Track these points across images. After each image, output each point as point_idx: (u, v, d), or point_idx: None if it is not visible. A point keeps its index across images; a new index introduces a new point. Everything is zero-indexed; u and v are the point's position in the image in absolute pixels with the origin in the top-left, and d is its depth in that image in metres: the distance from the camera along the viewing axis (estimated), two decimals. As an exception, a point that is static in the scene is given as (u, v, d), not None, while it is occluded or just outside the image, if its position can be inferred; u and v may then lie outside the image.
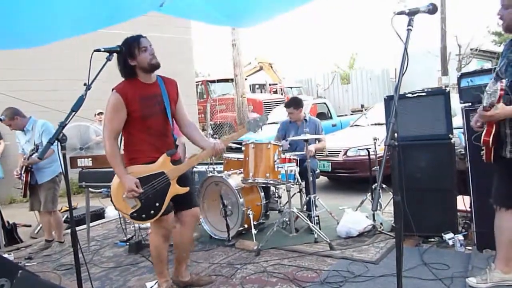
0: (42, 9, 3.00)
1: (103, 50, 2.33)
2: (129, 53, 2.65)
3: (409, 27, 1.78)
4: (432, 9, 1.84)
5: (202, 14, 3.95)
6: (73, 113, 2.10)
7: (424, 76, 15.82)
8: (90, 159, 4.06)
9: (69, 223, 4.95)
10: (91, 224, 4.72)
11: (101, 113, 7.97)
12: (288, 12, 3.99)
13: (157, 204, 2.70)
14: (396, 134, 1.66)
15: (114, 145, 2.68)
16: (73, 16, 3.21)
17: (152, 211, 2.70)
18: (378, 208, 4.31)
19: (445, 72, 15.60)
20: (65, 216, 5.07)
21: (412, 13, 1.80)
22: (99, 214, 5.68)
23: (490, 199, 2.58)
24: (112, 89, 2.68)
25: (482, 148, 2.35)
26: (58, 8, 3.03)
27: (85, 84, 2.21)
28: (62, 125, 2.07)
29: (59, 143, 2.08)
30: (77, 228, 4.65)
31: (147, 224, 4.78)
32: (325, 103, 11.26)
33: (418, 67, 16.95)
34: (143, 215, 2.71)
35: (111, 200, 2.79)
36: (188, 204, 2.91)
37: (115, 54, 2.50)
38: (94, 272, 3.60)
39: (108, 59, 2.35)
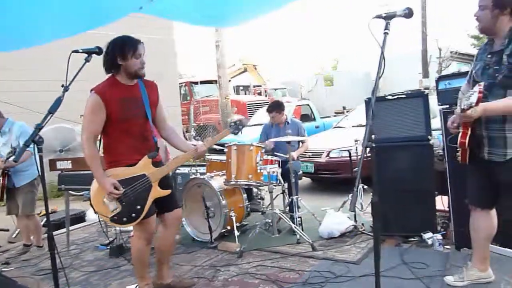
0: (22, 13, 2.96)
1: (81, 51, 2.30)
2: (121, 52, 2.61)
3: (386, 31, 1.81)
4: (408, 13, 1.88)
5: (183, 14, 3.95)
6: (50, 115, 2.07)
7: (406, 78, 16.10)
8: (69, 161, 4.00)
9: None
10: (71, 228, 4.65)
11: None
12: (270, 13, 4.01)
13: (139, 207, 2.66)
14: (373, 136, 1.68)
15: (93, 147, 2.63)
16: (52, 20, 3.18)
17: (133, 214, 2.66)
18: (359, 208, 4.37)
19: (426, 74, 15.91)
20: (44, 220, 4.97)
21: (388, 17, 1.84)
22: (79, 218, 5.58)
23: (465, 199, 2.63)
24: (91, 90, 2.62)
25: (458, 149, 2.39)
26: (38, 12, 2.99)
27: (62, 86, 2.17)
28: (39, 127, 2.03)
29: (35, 145, 2.04)
30: (57, 232, 4.65)
31: (129, 227, 4.75)
32: (308, 105, 11.34)
33: (401, 69, 17.26)
34: (124, 219, 2.66)
35: (91, 204, 2.75)
36: (170, 206, 2.89)
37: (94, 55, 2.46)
38: (74, 277, 3.54)
39: (87, 60, 2.32)
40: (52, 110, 2.07)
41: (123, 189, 2.61)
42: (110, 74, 2.71)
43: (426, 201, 3.62)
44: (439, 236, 3.48)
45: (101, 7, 3.27)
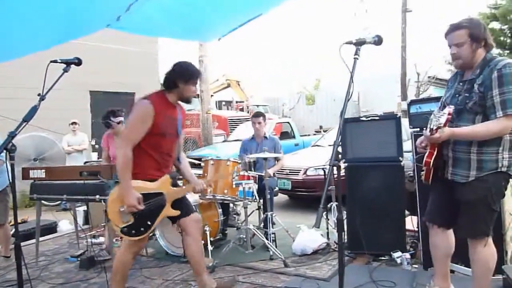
0: None
1: (60, 61, 2.32)
2: (186, 77, 2.75)
3: (356, 56, 1.91)
4: (377, 41, 1.98)
5: (161, 28, 4.01)
6: (25, 123, 2.06)
7: (386, 100, 16.54)
8: (43, 170, 3.94)
9: (16, 238, 4.75)
10: (41, 239, 4.55)
11: (75, 122, 7.76)
12: (247, 24, 4.12)
13: (149, 223, 2.71)
14: (340, 155, 1.75)
15: (131, 156, 2.61)
16: (28, 33, 3.19)
17: (142, 228, 2.70)
18: (333, 226, 4.43)
19: (404, 97, 16.35)
20: (13, 230, 4.85)
21: (359, 43, 1.94)
22: (51, 228, 5.46)
23: (423, 217, 2.71)
24: (144, 98, 2.68)
25: (423, 169, 2.47)
26: (14, 25, 3.00)
27: (39, 95, 2.18)
28: (12, 135, 2.03)
29: (8, 153, 2.03)
30: (26, 243, 4.53)
31: (101, 238, 4.69)
32: (289, 122, 11.48)
33: (381, 91, 17.72)
34: (133, 231, 2.69)
35: (105, 210, 2.74)
36: (187, 212, 2.89)
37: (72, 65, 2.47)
38: (41, 289, 3.46)
39: (65, 70, 2.33)
40: (27, 118, 2.07)
41: (143, 206, 2.63)
42: (160, 90, 2.84)
43: (396, 220, 3.71)
44: (407, 255, 3.57)
45: (77, 21, 3.29)
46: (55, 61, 2.28)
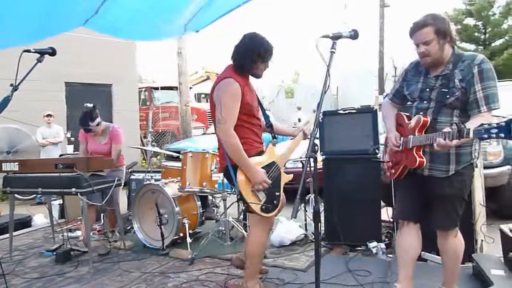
0: None
1: (33, 51, 2.26)
2: (262, 55, 2.67)
3: (332, 50, 1.93)
4: (353, 35, 2.02)
5: (134, 30, 3.97)
6: (-3, 115, 2.02)
7: (363, 94, 16.78)
8: (17, 163, 3.84)
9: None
10: (15, 233, 4.44)
11: (50, 115, 7.55)
12: (225, 16, 4.11)
13: (277, 194, 2.73)
14: (316, 147, 1.79)
15: (237, 137, 2.56)
16: (3, 29, 3.11)
17: (275, 201, 2.70)
18: (310, 218, 4.49)
19: (382, 91, 16.63)
20: (-14, 224, 4.73)
21: (335, 37, 1.96)
22: (25, 223, 5.33)
23: (393, 216, 2.72)
24: (225, 78, 2.61)
25: (392, 166, 2.49)
26: None
27: (11, 85, 2.12)
28: (-16, 127, 1.97)
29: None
30: (-2, 237, 4.43)
31: (78, 232, 4.63)
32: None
33: (359, 85, 17.96)
34: (270, 206, 2.66)
35: (241, 195, 2.61)
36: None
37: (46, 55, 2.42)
38: (16, 284, 3.38)
39: (39, 60, 2.28)
40: (-1, 110, 2.03)
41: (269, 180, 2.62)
42: (231, 65, 2.73)
43: (372, 212, 3.80)
44: (383, 245, 3.66)
45: (46, 22, 3.22)
46: (28, 51, 2.23)
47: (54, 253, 4.01)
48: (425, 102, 2.37)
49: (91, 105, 4.28)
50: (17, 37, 3.49)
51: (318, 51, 1.87)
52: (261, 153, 2.77)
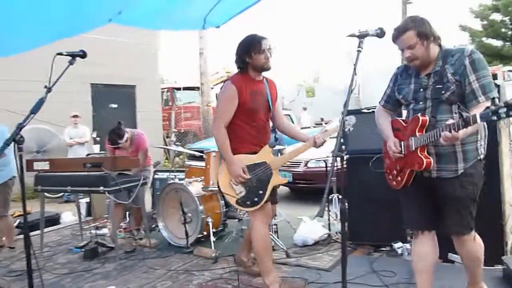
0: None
1: (65, 54, 2.33)
2: (247, 51, 2.85)
3: (359, 49, 1.92)
4: (380, 33, 2.00)
5: (161, 20, 4.04)
6: (32, 115, 2.09)
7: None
8: (47, 162, 3.98)
9: (22, 228, 4.81)
10: (45, 230, 4.59)
11: (76, 115, 7.77)
12: (246, 16, 4.15)
13: (261, 192, 2.84)
14: (343, 146, 1.78)
15: (226, 133, 2.85)
16: (32, 29, 3.22)
17: (256, 199, 2.84)
18: (334, 217, 4.48)
19: (404, 89, 16.34)
20: (17, 222, 4.90)
21: (361, 36, 1.95)
22: (54, 220, 5.50)
23: (405, 226, 2.57)
24: (226, 80, 2.94)
25: (393, 175, 2.40)
26: (18, 21, 3.03)
27: (45, 87, 2.20)
28: (20, 126, 2.05)
29: (16, 144, 2.06)
30: (30, 234, 4.57)
31: (104, 230, 4.74)
32: (289, 115, 11.49)
33: (382, 84, 17.65)
34: (248, 202, 2.85)
35: (218, 186, 2.91)
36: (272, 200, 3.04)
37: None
38: (46, 279, 3.50)
39: (71, 63, 2.35)
40: (34, 110, 2.10)
41: (249, 175, 2.81)
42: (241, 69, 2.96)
43: (397, 211, 3.73)
44: (408, 245, 3.60)
45: (80, 17, 3.31)
46: (61, 54, 2.30)
47: (82, 249, 4.13)
48: (421, 102, 2.29)
49: (118, 122, 4.41)
50: (45, 35, 3.58)
51: (351, 57, 1.86)
52: (256, 152, 2.91)
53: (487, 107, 1.84)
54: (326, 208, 4.34)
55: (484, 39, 20.90)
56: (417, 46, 2.18)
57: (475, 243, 2.34)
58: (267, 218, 2.99)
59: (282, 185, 6.45)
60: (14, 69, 8.12)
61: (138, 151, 4.40)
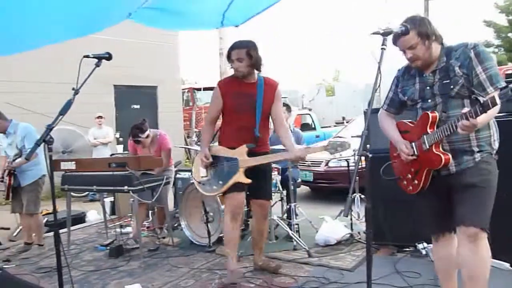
0: (13, 19, 3.09)
1: (92, 56, 2.39)
2: (227, 58, 3.19)
3: (383, 47, 1.90)
4: (404, 31, 1.98)
5: (178, 21, 4.09)
6: (61, 117, 2.15)
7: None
8: (74, 162, 4.08)
9: (50, 226, 4.95)
10: (71, 228, 4.70)
11: (100, 116, 7.96)
12: (265, 15, 4.16)
13: (220, 182, 3.13)
14: (368, 145, 1.77)
15: (207, 128, 3.30)
16: (44, 26, 3.32)
17: (214, 187, 3.17)
18: (356, 217, 4.44)
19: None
20: (46, 220, 5.05)
21: (385, 33, 1.93)
22: (79, 218, 5.64)
23: (426, 230, 2.47)
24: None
25: (408, 179, 2.32)
26: (32, 19, 3.12)
27: (73, 89, 2.26)
28: (50, 127, 2.12)
29: (46, 145, 2.12)
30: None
31: (128, 228, 4.83)
32: (309, 114, 11.45)
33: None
34: (207, 187, 3.20)
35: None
36: (256, 195, 3.30)
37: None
38: (73, 275, 3.57)
39: (97, 65, 2.41)
40: (63, 112, 2.16)
41: (211, 160, 3.14)
42: None
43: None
44: (432, 245, 3.54)
45: (92, 16, 3.39)
46: (87, 56, 2.36)
47: (108, 247, 4.22)
48: (429, 100, 2.23)
49: (141, 119, 4.51)
50: (61, 31, 3.66)
51: (373, 57, 1.84)
52: (234, 148, 3.15)
53: (506, 86, 1.77)
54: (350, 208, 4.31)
55: (510, 34, 20.28)
56: (418, 46, 2.13)
57: (485, 247, 2.13)
58: (234, 210, 3.15)
59: (303, 184, 6.46)
60: (38, 72, 8.35)
61: (161, 151, 4.46)
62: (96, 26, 3.85)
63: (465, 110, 1.91)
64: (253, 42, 3.17)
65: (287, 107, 5.07)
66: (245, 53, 3.07)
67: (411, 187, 2.33)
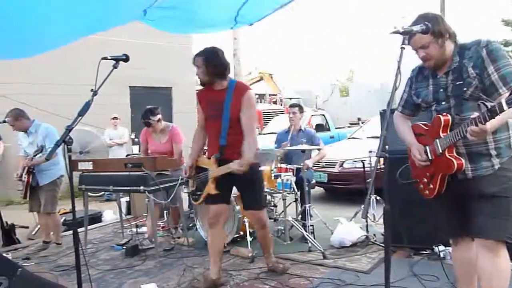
0: (28, 20, 3.15)
1: (109, 58, 2.42)
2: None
3: (403, 46, 1.87)
4: (425, 29, 1.94)
5: (188, 25, 4.11)
6: (80, 118, 2.18)
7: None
8: (91, 162, 4.14)
9: (68, 225, 5.03)
10: (88, 228, 4.77)
11: (116, 117, 8.07)
12: (278, 15, 4.14)
13: (198, 193, 3.21)
14: (387, 147, 1.74)
15: (197, 136, 3.32)
16: (58, 27, 3.38)
17: (195, 197, 3.27)
18: (372, 219, 4.40)
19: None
20: (63, 219, 5.13)
21: (406, 32, 1.89)
22: (96, 218, 5.72)
23: (444, 235, 2.44)
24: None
25: (424, 183, 2.28)
26: (44, 20, 3.19)
27: (91, 90, 2.29)
28: (69, 128, 2.15)
29: (65, 145, 2.16)
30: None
31: (143, 228, 4.87)
32: (323, 115, 11.39)
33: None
34: (194, 197, 3.30)
35: None
36: (246, 205, 3.29)
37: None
38: (91, 274, 3.61)
39: (115, 66, 2.43)
40: (82, 113, 2.19)
41: (190, 174, 3.22)
42: None
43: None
44: (451, 249, 3.48)
45: (104, 13, 3.43)
46: (105, 58, 2.39)
47: (124, 247, 4.26)
48: (443, 102, 2.17)
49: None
50: (75, 31, 3.73)
51: (398, 61, 1.80)
52: (210, 158, 3.15)
53: None
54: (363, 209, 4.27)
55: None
56: (431, 45, 2.08)
57: (504, 259, 2.05)
58: (209, 221, 3.19)
59: (317, 185, 6.42)
60: (56, 74, 8.50)
61: (172, 143, 4.47)
62: (108, 23, 3.88)
63: (474, 115, 1.87)
64: (213, 49, 3.07)
65: (299, 108, 5.04)
66: (202, 60, 3.03)
67: (427, 191, 2.30)
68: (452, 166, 2.07)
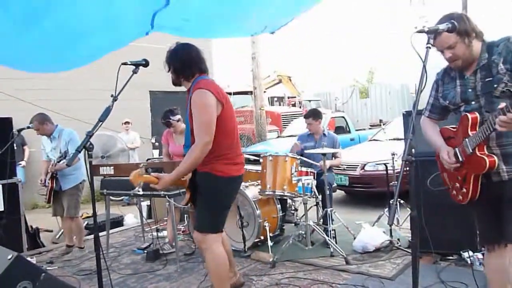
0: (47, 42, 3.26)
1: (129, 63, 2.43)
2: None
3: (428, 45, 1.80)
4: (451, 28, 1.87)
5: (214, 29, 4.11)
6: (100, 123, 2.20)
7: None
8: (112, 167, 4.17)
9: (91, 229, 5.09)
10: (110, 232, 4.82)
11: (128, 122, 8.18)
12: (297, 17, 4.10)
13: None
14: (413, 150, 1.68)
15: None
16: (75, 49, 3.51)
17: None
18: (396, 223, 4.28)
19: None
20: (86, 223, 5.20)
21: (431, 31, 1.83)
22: (117, 222, 5.78)
23: (482, 241, 2.34)
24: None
25: (456, 188, 2.19)
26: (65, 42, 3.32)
27: (112, 96, 2.30)
28: (90, 134, 2.16)
29: (86, 151, 2.17)
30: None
31: (164, 232, 4.89)
32: (343, 117, 11.24)
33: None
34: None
35: None
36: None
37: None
38: (113, 278, 3.65)
39: (134, 72, 2.44)
40: (102, 118, 2.20)
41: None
42: None
43: (465, 218, 3.50)
44: (479, 255, 3.35)
45: (113, 36, 3.49)
46: (125, 64, 2.40)
47: (145, 251, 4.28)
48: (473, 102, 2.08)
49: None
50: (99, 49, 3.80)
51: (414, 48, 1.74)
52: None
53: None
54: (386, 214, 4.17)
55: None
56: (457, 45, 2.00)
57: None
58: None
59: (338, 188, 6.32)
60: (78, 80, 8.65)
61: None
62: (119, 44, 3.96)
63: (502, 105, 1.78)
64: (176, 46, 2.88)
65: (314, 116, 4.79)
66: (165, 59, 2.82)
67: (460, 197, 2.20)
68: (483, 164, 1.98)
